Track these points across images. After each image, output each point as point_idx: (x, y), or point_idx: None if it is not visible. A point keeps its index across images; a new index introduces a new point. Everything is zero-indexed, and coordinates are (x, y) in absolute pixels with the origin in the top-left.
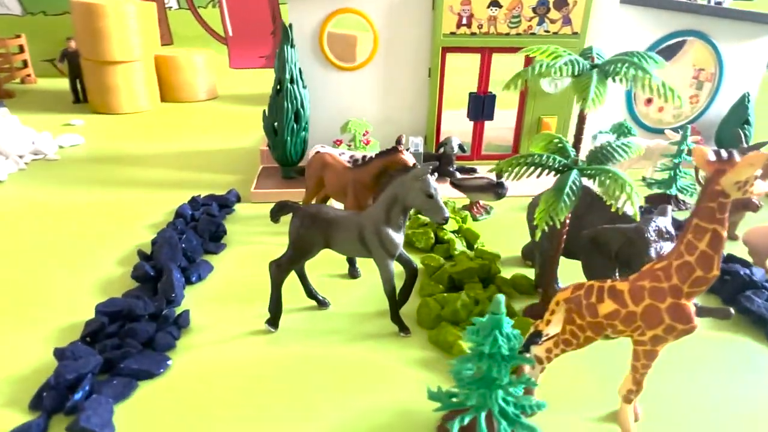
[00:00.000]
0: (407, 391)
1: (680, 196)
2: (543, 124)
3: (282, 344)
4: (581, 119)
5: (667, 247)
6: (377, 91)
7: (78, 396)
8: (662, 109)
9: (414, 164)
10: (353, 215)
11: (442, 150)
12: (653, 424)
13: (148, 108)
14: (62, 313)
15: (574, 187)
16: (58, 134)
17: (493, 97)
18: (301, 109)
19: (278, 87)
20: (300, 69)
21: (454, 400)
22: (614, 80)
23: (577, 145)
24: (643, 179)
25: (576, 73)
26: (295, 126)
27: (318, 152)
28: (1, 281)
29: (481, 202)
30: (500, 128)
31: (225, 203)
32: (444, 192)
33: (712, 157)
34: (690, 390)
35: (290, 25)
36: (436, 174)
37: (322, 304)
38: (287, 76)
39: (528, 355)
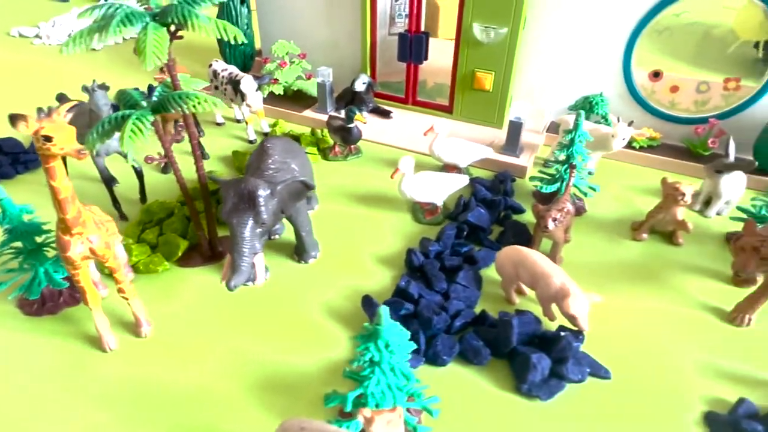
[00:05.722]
0: None
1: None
2: (476, 78)
3: None
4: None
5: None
6: (323, 15)
7: None
8: (677, 88)
9: None
10: None
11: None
12: None
13: None
14: None
15: (106, 125)
16: None
17: (421, 38)
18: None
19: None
20: None
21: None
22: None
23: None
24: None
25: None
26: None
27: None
28: None
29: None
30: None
31: None
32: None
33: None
34: None
35: None
36: None
37: None
38: None
39: None
